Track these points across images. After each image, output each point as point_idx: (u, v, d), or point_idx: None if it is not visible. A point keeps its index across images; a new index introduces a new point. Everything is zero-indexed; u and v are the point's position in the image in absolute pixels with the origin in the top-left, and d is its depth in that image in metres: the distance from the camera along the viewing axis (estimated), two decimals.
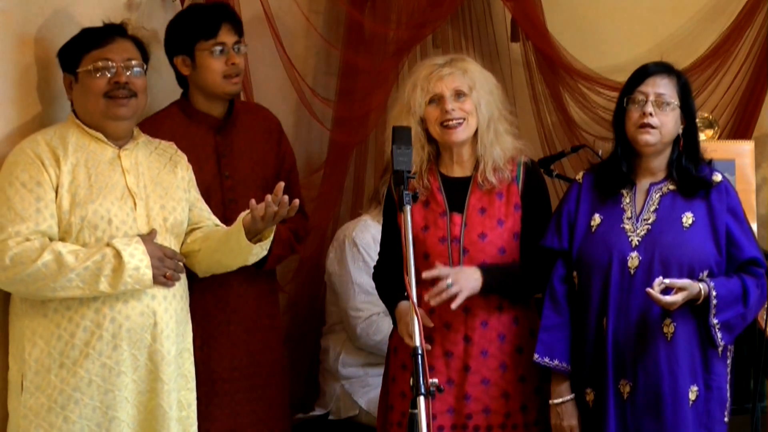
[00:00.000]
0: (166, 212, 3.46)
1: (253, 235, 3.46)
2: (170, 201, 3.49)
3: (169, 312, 3.40)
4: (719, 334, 3.41)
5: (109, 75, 3.37)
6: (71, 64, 3.42)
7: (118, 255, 3.27)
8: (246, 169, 3.94)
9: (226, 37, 3.86)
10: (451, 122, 3.52)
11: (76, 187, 3.32)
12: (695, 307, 3.41)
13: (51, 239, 3.28)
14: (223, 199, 3.88)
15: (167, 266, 3.37)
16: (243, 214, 3.46)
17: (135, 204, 3.39)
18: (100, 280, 3.25)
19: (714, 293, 3.37)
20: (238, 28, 3.91)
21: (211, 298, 3.85)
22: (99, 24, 3.49)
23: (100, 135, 3.41)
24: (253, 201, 3.39)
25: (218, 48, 3.84)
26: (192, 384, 3.52)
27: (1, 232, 3.24)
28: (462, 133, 3.55)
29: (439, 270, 3.47)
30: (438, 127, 3.56)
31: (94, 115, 3.40)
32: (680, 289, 3.33)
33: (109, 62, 3.38)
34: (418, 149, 3.58)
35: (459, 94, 3.54)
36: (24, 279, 3.22)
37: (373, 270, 3.84)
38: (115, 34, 3.44)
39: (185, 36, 3.87)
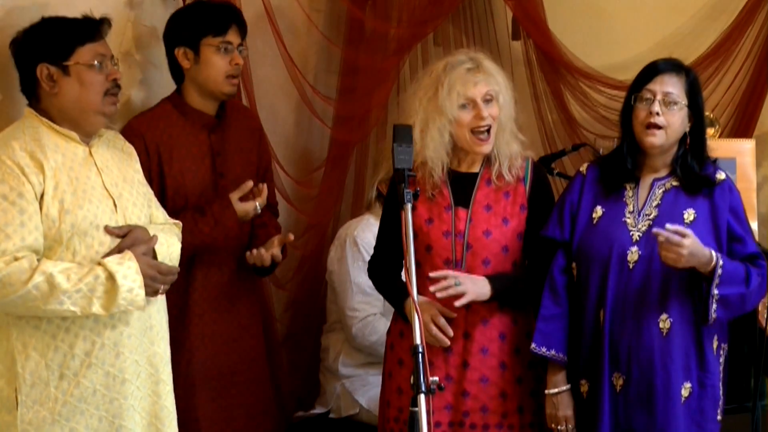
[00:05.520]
0: (138, 210, 3.31)
1: None
2: (139, 197, 3.34)
3: (161, 312, 3.34)
4: (714, 306, 3.38)
5: (106, 71, 3.22)
6: (58, 54, 3.17)
7: (111, 277, 3.10)
8: (237, 168, 3.93)
9: (234, 37, 3.86)
10: (482, 128, 3.52)
11: (61, 193, 3.12)
12: (698, 279, 3.39)
13: (37, 252, 3.09)
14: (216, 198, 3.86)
15: (159, 282, 3.22)
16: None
17: (115, 205, 3.23)
18: (93, 302, 3.08)
19: (721, 262, 3.36)
20: (243, 30, 3.92)
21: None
22: None
23: (73, 134, 3.20)
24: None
25: (225, 46, 3.83)
26: None
27: None
28: (489, 146, 3.56)
29: (446, 272, 3.49)
30: (468, 132, 3.55)
31: (85, 112, 3.21)
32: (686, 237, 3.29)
33: (105, 57, 3.22)
34: (445, 143, 3.56)
35: (488, 100, 3.55)
36: (14, 301, 3.04)
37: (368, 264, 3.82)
38: (101, 28, 3.25)
39: (192, 29, 3.84)
